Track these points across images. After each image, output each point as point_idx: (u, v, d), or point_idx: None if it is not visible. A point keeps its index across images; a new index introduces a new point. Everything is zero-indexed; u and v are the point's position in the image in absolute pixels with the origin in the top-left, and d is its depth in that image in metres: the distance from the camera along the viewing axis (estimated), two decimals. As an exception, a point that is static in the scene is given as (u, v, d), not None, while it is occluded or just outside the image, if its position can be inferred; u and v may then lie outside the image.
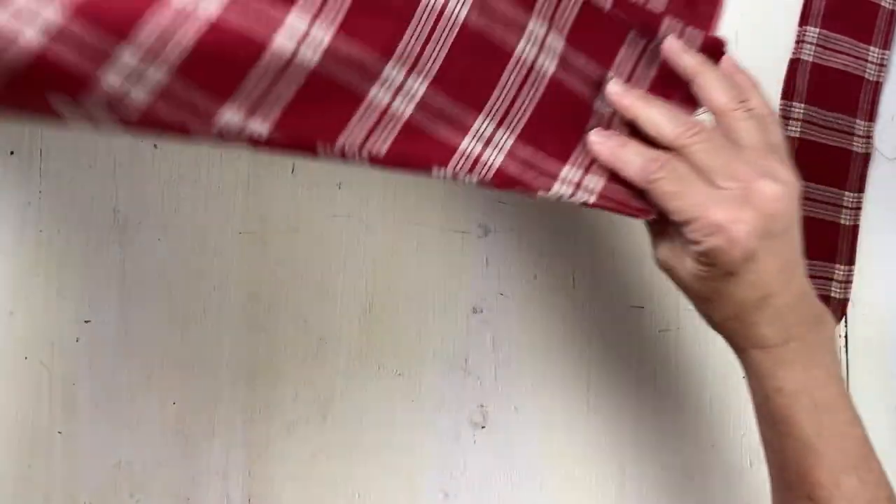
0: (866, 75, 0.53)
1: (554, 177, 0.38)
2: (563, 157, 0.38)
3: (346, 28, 0.33)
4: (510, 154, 0.37)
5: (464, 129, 0.36)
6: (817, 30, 0.52)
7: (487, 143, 0.37)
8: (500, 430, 0.49)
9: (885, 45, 0.53)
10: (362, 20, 0.33)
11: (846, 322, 0.50)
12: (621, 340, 0.49)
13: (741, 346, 0.37)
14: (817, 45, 0.52)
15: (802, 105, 0.51)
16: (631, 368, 0.49)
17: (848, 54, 0.52)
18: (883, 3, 0.53)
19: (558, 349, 0.49)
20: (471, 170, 0.37)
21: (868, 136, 0.53)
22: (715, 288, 0.35)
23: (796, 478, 0.35)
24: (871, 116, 0.53)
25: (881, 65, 0.53)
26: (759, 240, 0.33)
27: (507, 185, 0.37)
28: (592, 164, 0.38)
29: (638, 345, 0.49)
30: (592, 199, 0.38)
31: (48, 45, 0.27)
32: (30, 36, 0.27)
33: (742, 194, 0.33)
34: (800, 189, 0.35)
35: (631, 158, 0.36)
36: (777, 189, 0.33)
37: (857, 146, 0.52)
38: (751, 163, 0.34)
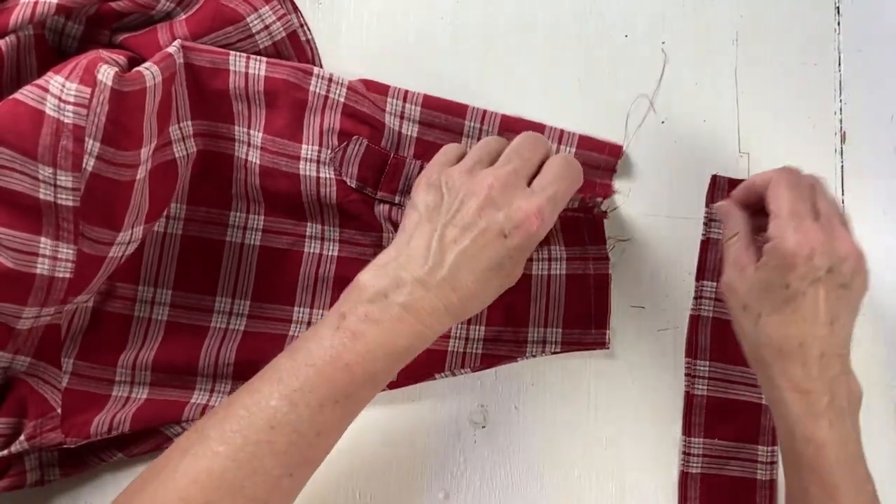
0: None
1: (524, 342, 0.47)
2: (524, 323, 0.47)
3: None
4: (484, 340, 0.47)
5: (446, 336, 0.47)
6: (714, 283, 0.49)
7: (466, 340, 0.47)
8: (500, 430, 0.49)
9: None
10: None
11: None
12: (621, 340, 0.49)
13: (778, 384, 0.39)
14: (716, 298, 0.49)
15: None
16: (631, 367, 0.49)
17: None
18: None
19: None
20: (462, 365, 0.47)
21: None
22: (771, 302, 0.38)
23: None
24: None
25: None
26: (826, 271, 0.37)
27: (492, 365, 0.48)
28: (547, 317, 0.47)
29: (637, 344, 0.49)
30: (559, 349, 0.48)
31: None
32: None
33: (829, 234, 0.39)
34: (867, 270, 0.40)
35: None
36: (856, 250, 0.39)
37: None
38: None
